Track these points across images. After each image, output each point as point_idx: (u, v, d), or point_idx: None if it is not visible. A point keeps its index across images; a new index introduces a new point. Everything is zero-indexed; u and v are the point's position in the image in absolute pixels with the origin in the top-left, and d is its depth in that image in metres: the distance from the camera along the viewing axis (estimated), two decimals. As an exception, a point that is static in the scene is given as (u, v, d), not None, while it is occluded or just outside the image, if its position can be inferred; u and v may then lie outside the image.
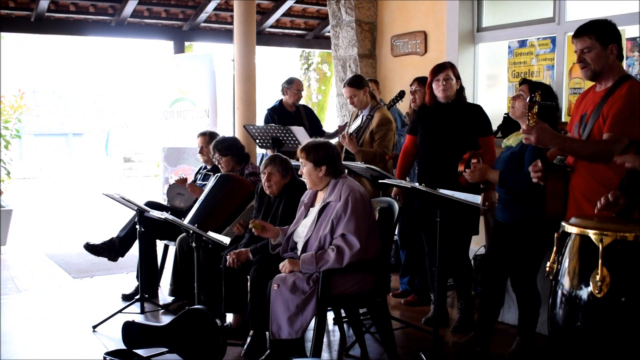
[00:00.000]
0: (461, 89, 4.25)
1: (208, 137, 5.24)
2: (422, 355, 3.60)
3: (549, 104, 3.89)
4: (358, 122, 5.00)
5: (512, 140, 3.65)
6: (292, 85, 6.18)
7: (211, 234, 3.72)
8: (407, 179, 4.79)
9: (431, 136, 4.25)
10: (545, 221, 3.46)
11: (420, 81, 4.73)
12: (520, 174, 3.48)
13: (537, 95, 2.89)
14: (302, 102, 6.41)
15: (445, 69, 4.18)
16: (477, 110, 4.25)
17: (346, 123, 5.66)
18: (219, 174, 4.66)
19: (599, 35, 2.98)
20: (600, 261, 2.25)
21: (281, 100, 6.25)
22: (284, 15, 9.10)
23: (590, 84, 3.22)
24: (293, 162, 4.18)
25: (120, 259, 5.20)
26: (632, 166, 2.59)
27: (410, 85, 4.80)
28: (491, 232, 3.75)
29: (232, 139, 4.95)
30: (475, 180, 3.56)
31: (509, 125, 4.63)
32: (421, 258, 4.71)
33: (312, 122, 6.27)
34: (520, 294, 3.69)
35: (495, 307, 3.77)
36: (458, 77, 4.22)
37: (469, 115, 4.16)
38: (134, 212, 4.67)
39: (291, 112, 6.21)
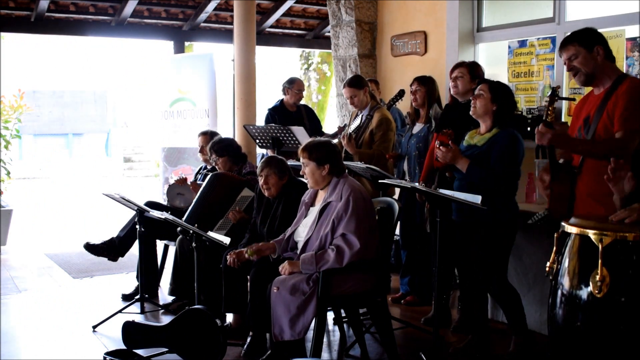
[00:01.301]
0: None
1: (209, 136, 5.25)
2: (422, 355, 3.60)
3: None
4: (358, 121, 5.00)
5: (476, 140, 3.66)
6: (294, 85, 6.18)
7: (211, 233, 3.73)
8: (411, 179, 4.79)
9: None
10: (507, 222, 3.54)
11: (420, 81, 4.72)
12: (486, 171, 3.52)
13: (557, 90, 2.92)
14: (302, 102, 6.41)
15: (458, 67, 4.19)
16: None
17: (345, 124, 5.66)
18: (209, 175, 4.67)
19: (581, 41, 3.05)
20: (600, 261, 2.25)
21: (282, 100, 6.25)
22: (284, 15, 9.10)
23: (589, 88, 3.23)
24: (291, 162, 4.18)
25: (120, 259, 5.20)
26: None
27: (411, 86, 4.80)
28: (452, 233, 3.78)
29: (228, 140, 4.95)
30: (446, 160, 3.63)
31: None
32: (421, 258, 4.71)
33: (312, 122, 6.27)
34: (497, 297, 3.70)
35: (481, 306, 3.77)
36: (476, 77, 4.17)
37: None
38: (134, 212, 4.67)
39: (292, 112, 6.21)
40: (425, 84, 4.68)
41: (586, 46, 3.03)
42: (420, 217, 4.59)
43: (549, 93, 2.97)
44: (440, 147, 3.63)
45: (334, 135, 5.84)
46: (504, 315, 3.77)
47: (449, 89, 4.34)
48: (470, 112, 3.67)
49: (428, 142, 4.57)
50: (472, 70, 4.18)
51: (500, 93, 3.59)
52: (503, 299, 3.68)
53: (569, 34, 3.13)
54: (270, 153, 5.28)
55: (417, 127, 4.80)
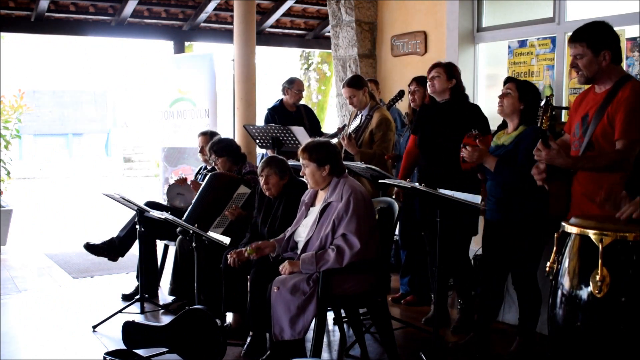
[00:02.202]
0: (456, 89, 4.18)
1: (208, 136, 5.25)
2: (422, 355, 3.60)
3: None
4: (357, 121, 5.01)
5: (504, 139, 3.66)
6: (293, 86, 6.18)
7: (211, 234, 3.72)
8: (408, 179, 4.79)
9: (426, 135, 4.26)
10: (540, 218, 3.50)
11: (419, 81, 4.73)
12: (514, 168, 3.51)
13: (551, 99, 2.90)
14: (302, 102, 6.41)
15: (434, 67, 4.19)
16: (475, 110, 4.23)
17: (344, 125, 5.66)
18: (208, 175, 4.67)
19: (590, 42, 2.97)
20: (600, 261, 2.25)
21: (282, 100, 6.25)
22: (284, 15, 9.10)
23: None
24: (291, 162, 4.18)
25: (120, 259, 5.20)
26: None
27: (409, 86, 4.80)
28: (484, 233, 3.77)
29: (228, 140, 4.95)
30: (473, 160, 3.59)
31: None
32: (421, 258, 4.71)
33: (312, 122, 6.27)
34: (521, 292, 3.69)
35: (494, 308, 3.77)
36: (453, 77, 4.17)
37: (465, 115, 4.12)
38: (134, 212, 4.67)
39: (292, 112, 6.21)
40: (424, 84, 4.68)
41: (594, 49, 2.95)
42: (421, 216, 4.59)
43: (543, 103, 2.95)
44: (466, 147, 3.59)
45: (334, 135, 5.84)
46: (518, 313, 3.75)
47: None
48: (497, 112, 3.66)
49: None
50: (449, 70, 4.18)
51: (528, 92, 3.58)
52: (525, 297, 3.66)
53: (581, 26, 3.03)
54: (270, 153, 5.28)
55: (417, 128, 4.80)
